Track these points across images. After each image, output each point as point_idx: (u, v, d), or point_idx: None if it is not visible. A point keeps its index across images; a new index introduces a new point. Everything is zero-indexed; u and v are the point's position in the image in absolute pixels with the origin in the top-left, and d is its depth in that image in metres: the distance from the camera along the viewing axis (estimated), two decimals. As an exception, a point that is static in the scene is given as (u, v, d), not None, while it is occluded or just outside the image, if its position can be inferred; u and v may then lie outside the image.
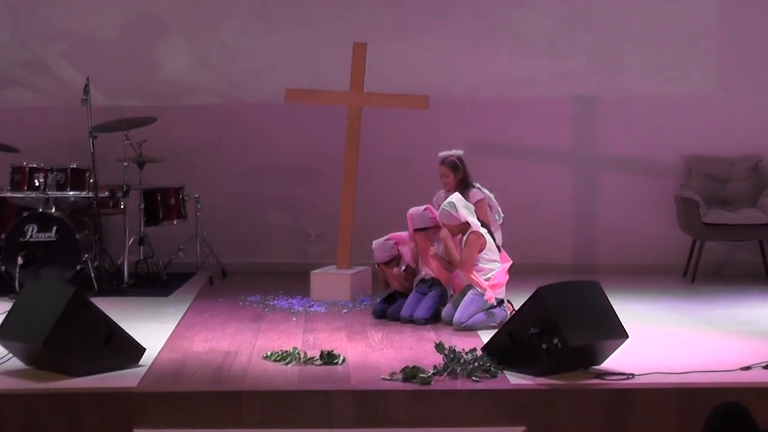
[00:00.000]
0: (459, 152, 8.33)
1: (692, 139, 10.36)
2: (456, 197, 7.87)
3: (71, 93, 9.77)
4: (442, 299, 8.02)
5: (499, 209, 8.39)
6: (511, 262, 7.91)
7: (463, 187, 8.25)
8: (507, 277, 7.87)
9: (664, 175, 10.40)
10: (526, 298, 6.54)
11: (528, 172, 10.28)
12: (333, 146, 9.84)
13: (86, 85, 9.06)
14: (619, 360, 6.49)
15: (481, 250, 7.76)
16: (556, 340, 6.18)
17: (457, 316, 7.70)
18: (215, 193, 10.41)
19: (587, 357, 6.40)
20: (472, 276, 7.73)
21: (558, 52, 10.43)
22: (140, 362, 6.59)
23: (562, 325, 6.19)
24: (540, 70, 10.41)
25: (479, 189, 8.33)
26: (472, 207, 7.93)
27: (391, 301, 8.23)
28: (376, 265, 8.38)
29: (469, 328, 7.62)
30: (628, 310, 7.80)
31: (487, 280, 7.74)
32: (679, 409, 6.04)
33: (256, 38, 10.48)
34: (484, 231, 7.79)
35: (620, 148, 10.46)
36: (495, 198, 8.42)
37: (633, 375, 6.27)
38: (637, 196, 10.44)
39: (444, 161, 8.33)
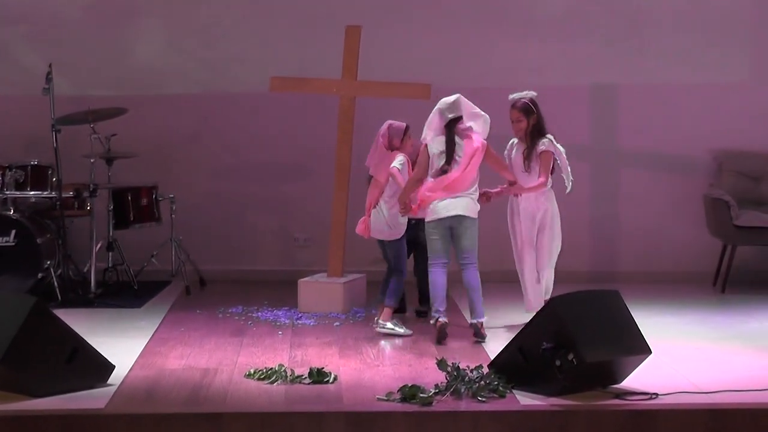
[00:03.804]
0: (532, 93, 8.33)
1: (723, 132, 10.39)
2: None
3: (32, 81, 9.77)
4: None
5: (569, 171, 8.34)
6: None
7: (537, 134, 8.22)
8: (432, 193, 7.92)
9: (691, 172, 10.44)
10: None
11: (540, 169, 10.30)
12: (324, 140, 9.86)
13: (48, 73, 9.06)
14: (641, 378, 6.52)
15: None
16: (571, 356, 6.20)
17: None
18: (192, 193, 10.42)
19: (606, 375, 6.42)
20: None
21: (574, 36, 10.45)
22: (109, 381, 6.61)
23: (577, 340, 6.21)
24: (554, 55, 10.44)
25: (551, 141, 8.23)
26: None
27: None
28: None
29: None
30: (651, 322, 7.84)
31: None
32: (707, 433, 6.08)
33: (238, 20, 10.50)
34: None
35: (643, 142, 10.49)
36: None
37: (657, 395, 6.30)
38: (661, 196, 10.47)
39: (515, 105, 8.30)
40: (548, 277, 8.33)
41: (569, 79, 10.44)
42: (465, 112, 7.95)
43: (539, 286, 8.30)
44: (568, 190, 8.32)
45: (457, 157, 7.89)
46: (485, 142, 7.97)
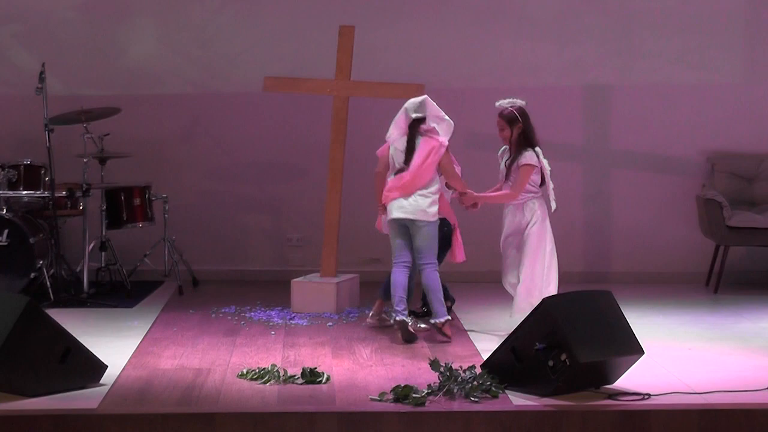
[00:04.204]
0: (520, 102, 8.10)
1: (716, 133, 10.41)
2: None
3: (25, 80, 9.77)
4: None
5: (552, 190, 8.05)
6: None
7: (523, 144, 7.99)
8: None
9: (684, 173, 10.45)
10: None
11: (534, 170, 10.31)
12: (317, 140, 9.87)
13: (41, 72, 9.05)
14: (634, 378, 6.53)
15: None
16: (564, 357, 6.21)
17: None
18: (185, 193, 10.42)
19: (599, 375, 6.43)
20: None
21: (567, 36, 10.47)
22: (101, 381, 6.60)
23: (570, 340, 6.21)
24: (547, 56, 10.45)
25: (535, 154, 7.95)
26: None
27: None
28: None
29: None
30: (643, 323, 7.86)
31: None
32: (700, 433, 6.09)
33: (231, 20, 10.50)
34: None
35: (636, 143, 10.51)
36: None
37: (649, 395, 6.31)
38: (654, 197, 10.48)
39: (501, 113, 8.10)
40: (526, 283, 7.92)
41: (562, 79, 10.45)
42: (430, 114, 7.96)
43: (519, 290, 8.00)
44: (552, 209, 8.08)
45: (415, 157, 7.93)
46: (446, 143, 7.93)
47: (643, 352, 6.55)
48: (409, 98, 8.90)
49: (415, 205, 7.88)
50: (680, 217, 10.41)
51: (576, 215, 10.49)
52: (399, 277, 7.96)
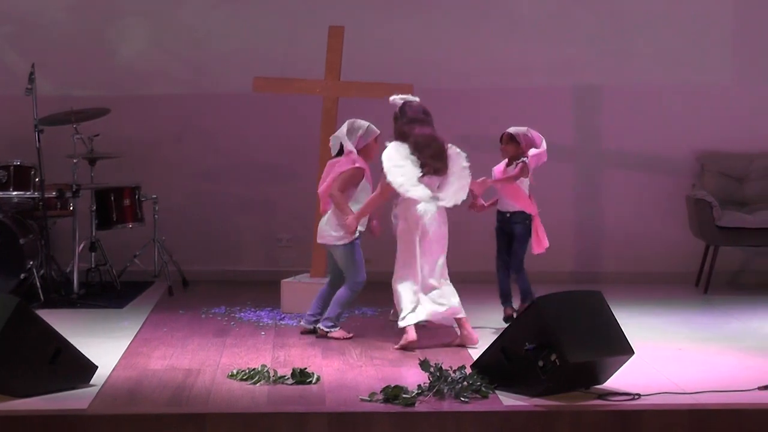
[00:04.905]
0: (405, 98, 7.96)
1: (707, 133, 10.44)
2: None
3: (14, 81, 9.78)
4: None
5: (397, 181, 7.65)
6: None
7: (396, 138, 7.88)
8: None
9: (674, 173, 10.48)
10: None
11: (524, 170, 10.33)
12: (307, 141, 9.86)
13: (31, 73, 9.06)
14: (623, 379, 6.55)
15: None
16: (554, 357, 6.22)
17: None
18: (175, 194, 10.42)
19: (589, 375, 6.44)
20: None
21: (558, 36, 10.48)
22: (91, 381, 6.60)
23: (560, 340, 6.22)
24: (538, 56, 10.47)
25: (390, 148, 7.74)
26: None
27: None
28: None
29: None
30: (634, 323, 7.87)
31: None
32: (690, 433, 6.10)
33: (222, 20, 10.50)
34: None
35: (627, 144, 10.53)
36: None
37: (639, 395, 6.32)
38: (644, 197, 10.51)
39: None
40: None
41: (553, 80, 10.47)
42: (350, 137, 7.99)
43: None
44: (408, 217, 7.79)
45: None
46: (358, 164, 7.91)
47: (633, 353, 6.56)
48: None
49: (324, 228, 8.03)
50: (670, 217, 10.43)
51: (566, 215, 10.51)
52: (322, 289, 8.19)
